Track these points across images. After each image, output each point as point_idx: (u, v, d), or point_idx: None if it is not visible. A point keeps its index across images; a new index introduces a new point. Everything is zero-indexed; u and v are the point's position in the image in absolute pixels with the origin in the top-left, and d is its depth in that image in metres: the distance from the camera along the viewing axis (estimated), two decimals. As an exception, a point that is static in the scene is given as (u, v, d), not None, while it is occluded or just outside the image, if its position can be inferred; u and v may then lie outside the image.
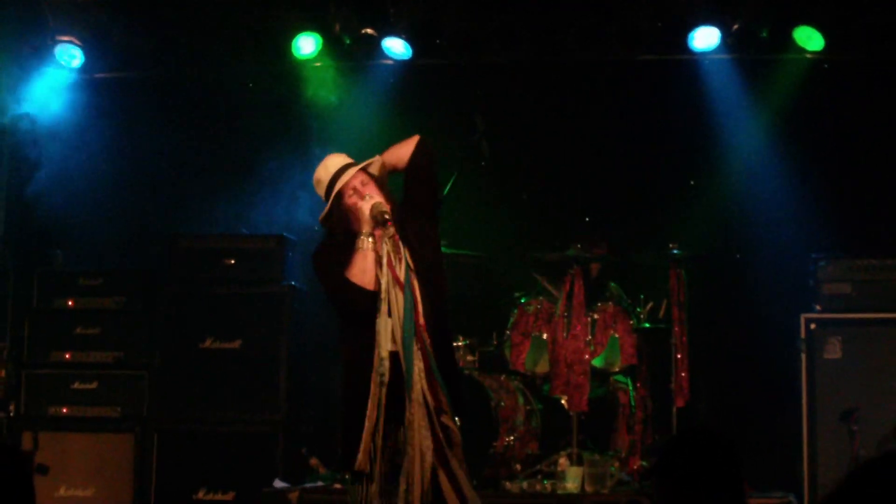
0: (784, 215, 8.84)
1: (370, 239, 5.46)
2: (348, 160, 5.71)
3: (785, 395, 8.21)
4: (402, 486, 5.32)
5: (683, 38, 8.81)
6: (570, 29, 8.84)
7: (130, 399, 8.64)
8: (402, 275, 5.39)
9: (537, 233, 9.15)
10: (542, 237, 9.00)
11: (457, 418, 5.52)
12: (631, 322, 8.38)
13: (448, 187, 7.41)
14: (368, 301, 5.41)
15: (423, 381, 5.36)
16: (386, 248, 5.41)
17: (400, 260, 5.42)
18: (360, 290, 5.42)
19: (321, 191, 5.70)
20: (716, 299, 8.97)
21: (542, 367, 8.31)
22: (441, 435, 5.36)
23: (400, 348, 5.33)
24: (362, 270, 5.42)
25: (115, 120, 9.43)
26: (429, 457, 5.31)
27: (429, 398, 5.36)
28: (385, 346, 5.32)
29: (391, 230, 5.42)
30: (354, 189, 5.57)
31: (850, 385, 7.96)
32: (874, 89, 8.84)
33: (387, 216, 5.42)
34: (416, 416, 5.33)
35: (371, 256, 5.43)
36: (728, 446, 3.89)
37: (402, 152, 5.69)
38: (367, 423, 5.32)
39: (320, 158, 5.70)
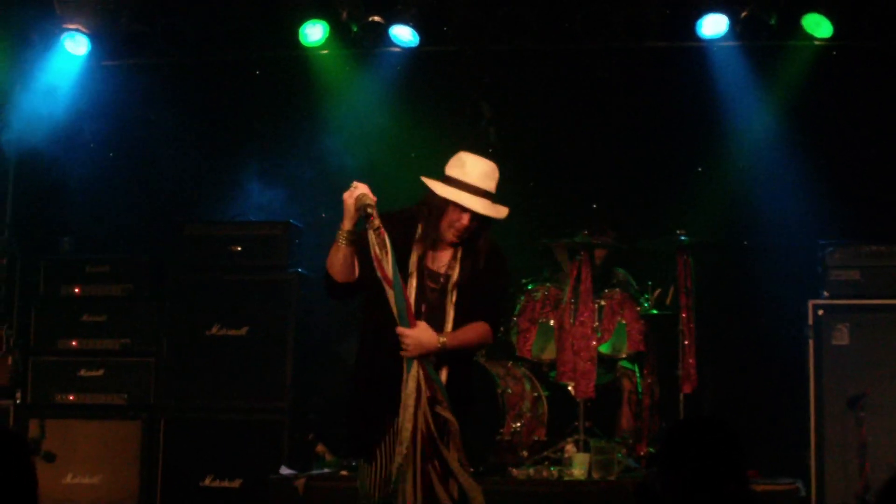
0: (792, 202, 8.83)
1: (345, 234, 5.31)
2: (494, 182, 5.47)
3: (792, 382, 8.20)
4: (394, 474, 5.32)
5: (692, 25, 8.80)
6: (577, 16, 8.83)
7: (137, 386, 8.64)
8: (389, 270, 5.22)
9: (544, 220, 9.13)
10: (549, 224, 8.98)
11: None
12: (638, 308, 8.37)
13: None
14: (337, 290, 5.44)
15: (420, 374, 5.33)
16: (372, 242, 5.22)
17: (386, 254, 5.23)
18: (327, 277, 5.44)
19: (449, 171, 5.47)
20: (723, 286, 8.96)
21: (549, 354, 8.31)
22: (434, 425, 5.34)
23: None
24: (331, 263, 5.38)
25: (121, 108, 9.44)
26: (419, 445, 5.30)
27: (423, 388, 5.33)
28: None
29: (376, 223, 5.22)
30: (465, 227, 5.39)
31: (858, 371, 7.94)
32: (882, 76, 8.83)
33: (370, 210, 5.22)
34: (409, 406, 5.31)
35: (343, 250, 5.33)
36: (731, 434, 3.90)
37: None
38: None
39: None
